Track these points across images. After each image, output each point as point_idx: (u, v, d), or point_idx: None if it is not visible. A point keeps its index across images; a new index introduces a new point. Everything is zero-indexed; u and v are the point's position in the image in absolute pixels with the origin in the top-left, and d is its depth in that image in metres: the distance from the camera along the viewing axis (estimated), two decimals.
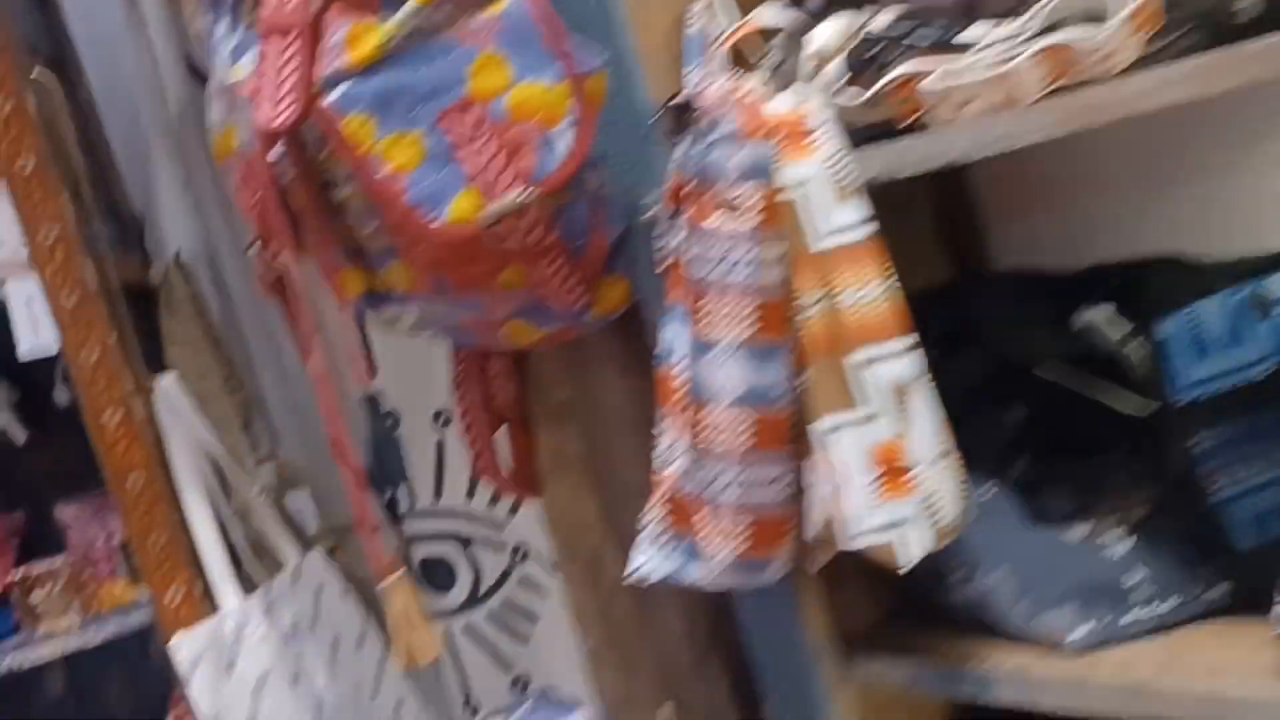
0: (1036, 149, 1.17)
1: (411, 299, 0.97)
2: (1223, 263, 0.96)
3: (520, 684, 1.73)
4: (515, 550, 1.73)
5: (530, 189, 0.85)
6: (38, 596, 1.49)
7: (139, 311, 1.46)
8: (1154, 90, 0.67)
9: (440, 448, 1.71)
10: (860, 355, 0.82)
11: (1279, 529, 0.86)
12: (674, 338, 0.88)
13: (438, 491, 1.72)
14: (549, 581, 1.69)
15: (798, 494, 0.88)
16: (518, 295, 0.92)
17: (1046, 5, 0.73)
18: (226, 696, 1.44)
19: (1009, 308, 0.95)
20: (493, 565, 1.73)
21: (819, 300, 0.82)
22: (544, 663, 1.71)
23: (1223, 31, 0.69)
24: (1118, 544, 0.90)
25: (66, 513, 1.60)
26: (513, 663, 1.75)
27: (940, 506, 0.83)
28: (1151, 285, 0.92)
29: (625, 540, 1.18)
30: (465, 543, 1.73)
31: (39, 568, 1.49)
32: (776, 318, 0.83)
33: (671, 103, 0.85)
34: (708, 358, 0.85)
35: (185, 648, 1.43)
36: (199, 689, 1.43)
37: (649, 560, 0.90)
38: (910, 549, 0.82)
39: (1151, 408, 0.86)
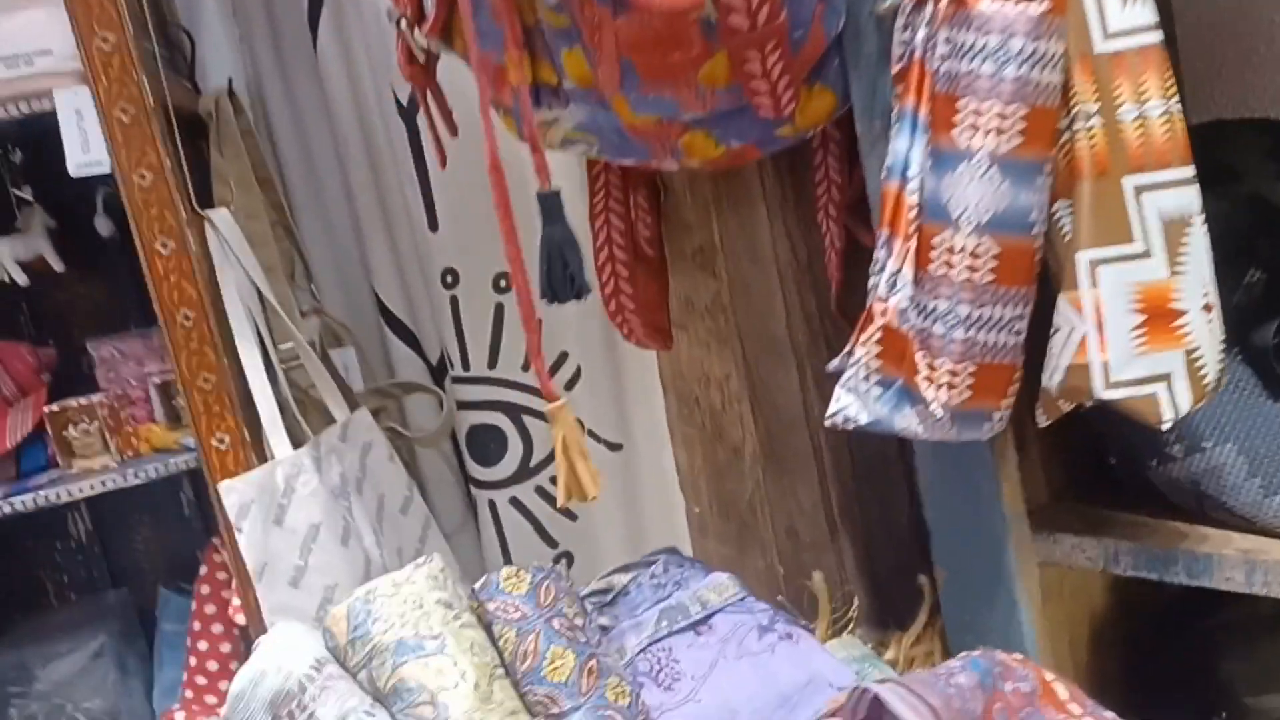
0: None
1: (581, 95, 0.84)
2: None
3: (564, 562, 1.66)
4: None
5: None
6: (73, 433, 1.37)
7: (187, 144, 1.33)
8: None
9: (499, 312, 1.60)
10: (1137, 180, 0.71)
11: None
12: (906, 151, 0.77)
13: (493, 360, 1.62)
14: (603, 459, 1.60)
15: (1027, 340, 0.77)
16: (716, 94, 0.80)
17: None
18: (276, 546, 1.34)
19: (1259, 157, 0.84)
20: (543, 439, 1.64)
21: (1097, 112, 0.71)
22: (592, 542, 1.64)
23: None
24: None
25: (101, 350, 1.47)
26: (558, 540, 1.67)
27: (1205, 362, 0.73)
28: None
29: (759, 401, 1.08)
30: (517, 413, 1.64)
31: (74, 403, 1.36)
32: (1045, 128, 0.72)
33: None
34: (953, 173, 0.73)
35: (235, 494, 1.32)
36: (248, 538, 1.32)
37: (853, 403, 0.80)
38: (1172, 405, 0.72)
39: None
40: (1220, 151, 0.85)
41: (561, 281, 0.76)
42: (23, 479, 1.39)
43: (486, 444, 1.66)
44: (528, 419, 1.65)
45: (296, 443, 1.36)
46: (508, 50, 0.78)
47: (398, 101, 1.53)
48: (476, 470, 1.68)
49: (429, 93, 0.88)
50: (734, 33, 0.75)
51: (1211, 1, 1.09)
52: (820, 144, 0.98)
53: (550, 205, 0.75)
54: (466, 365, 1.63)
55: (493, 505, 1.67)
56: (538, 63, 0.84)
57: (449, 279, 1.61)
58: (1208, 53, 1.10)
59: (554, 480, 1.68)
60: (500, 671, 0.77)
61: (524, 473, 1.67)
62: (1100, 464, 0.91)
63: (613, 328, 1.50)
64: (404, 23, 0.85)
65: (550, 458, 1.65)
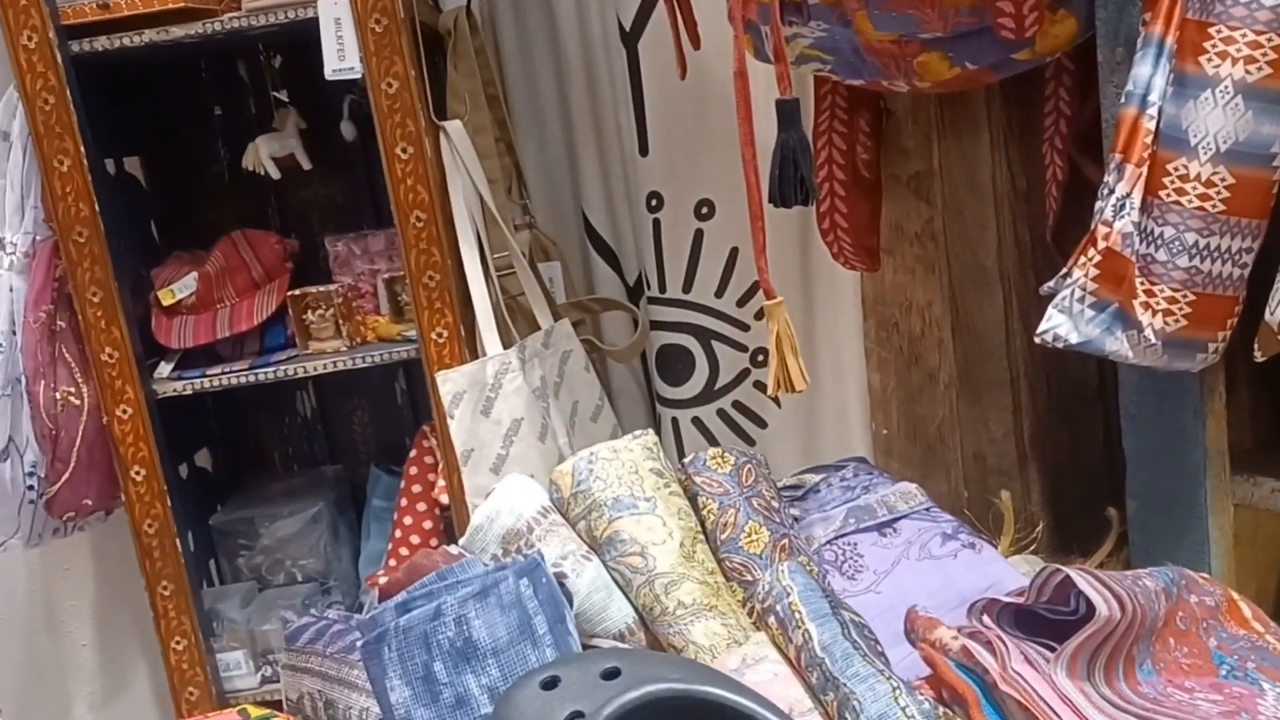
0: None
1: (825, 12, 0.88)
2: None
3: None
4: (756, 354, 1.69)
5: None
6: (311, 318, 1.52)
7: (426, 58, 1.43)
8: None
9: (698, 239, 1.66)
10: None
11: None
12: (1149, 77, 0.78)
13: (688, 284, 1.68)
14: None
15: (1251, 274, 0.78)
16: (959, 13, 0.83)
17: None
18: (482, 435, 1.46)
19: None
20: (730, 364, 1.70)
21: None
22: (772, 462, 1.68)
23: None
24: None
25: (336, 246, 1.61)
26: None
27: None
28: None
29: (960, 329, 1.11)
30: (707, 338, 1.70)
31: (315, 290, 1.50)
32: None
33: None
34: (1196, 100, 0.74)
35: (449, 384, 1.44)
36: (458, 425, 1.44)
37: (1064, 323, 0.82)
38: None
39: None
40: None
41: (792, 185, 0.80)
42: (266, 354, 1.55)
43: (675, 364, 1.74)
44: (716, 344, 1.72)
45: (505, 343, 1.47)
46: None
47: (621, 28, 1.60)
48: (663, 388, 1.75)
49: (678, 5, 0.94)
50: None
51: None
52: (1053, 74, 0.99)
53: (788, 112, 0.80)
54: (663, 287, 1.71)
55: (675, 423, 1.74)
56: None
57: (654, 203, 1.68)
58: None
59: (736, 405, 1.76)
60: (701, 537, 0.84)
61: (708, 395, 1.74)
62: None
63: (805, 253, 1.55)
64: None
65: (734, 383, 1.71)
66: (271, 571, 1.67)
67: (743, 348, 1.73)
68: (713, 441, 1.74)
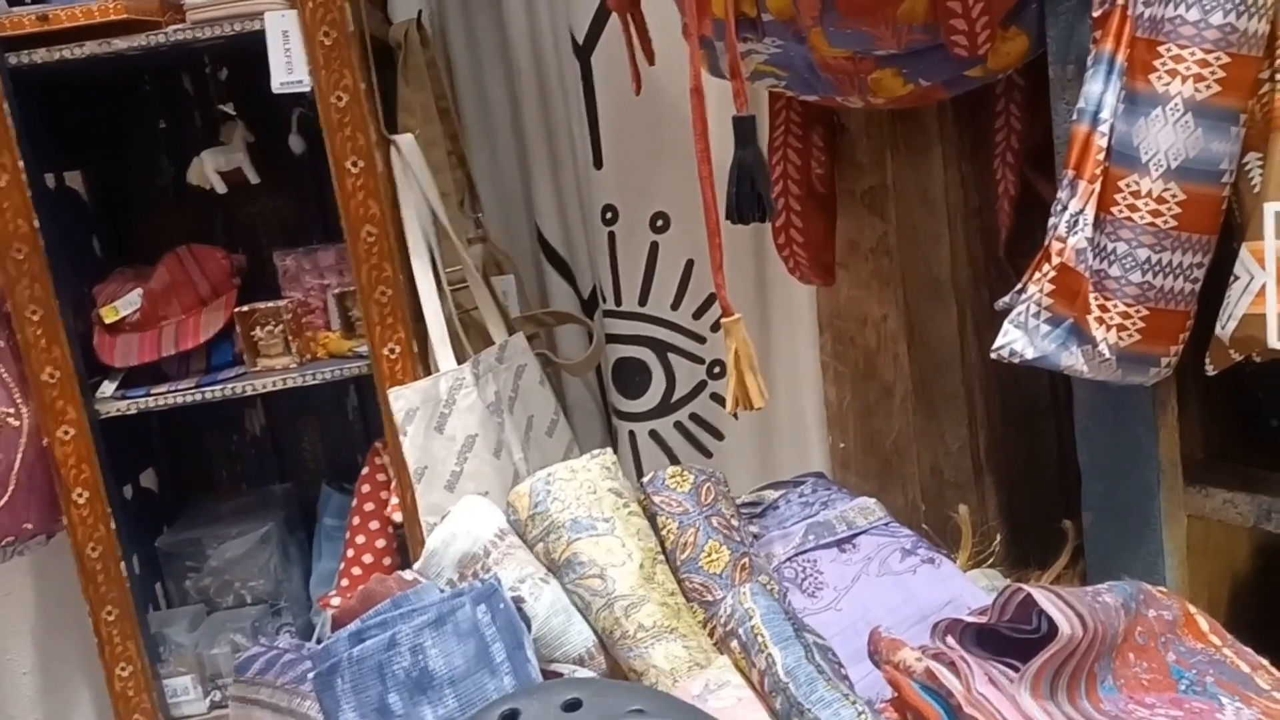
0: None
1: (780, 29, 0.88)
2: None
3: None
4: (713, 366, 1.69)
5: None
6: (259, 334, 1.49)
7: (377, 72, 1.41)
8: None
9: (653, 251, 1.65)
10: None
11: None
12: (1100, 95, 0.78)
13: (644, 297, 1.68)
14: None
15: (1200, 288, 0.79)
16: (913, 31, 0.83)
17: None
18: (435, 452, 1.44)
19: None
20: (687, 376, 1.69)
21: None
22: (729, 476, 1.68)
23: None
24: None
25: (286, 261, 1.58)
26: None
27: None
28: None
29: (915, 343, 1.11)
30: (663, 350, 1.69)
31: (263, 306, 1.47)
32: (1245, 78, 0.73)
33: None
34: (1146, 118, 0.75)
35: (402, 400, 1.42)
36: (410, 442, 1.42)
37: (1020, 338, 0.82)
38: None
39: None
40: None
41: (749, 202, 0.80)
42: (212, 371, 1.52)
43: (631, 377, 1.73)
44: (673, 356, 1.71)
45: (459, 359, 1.45)
46: None
47: (574, 41, 1.59)
48: (619, 401, 1.74)
49: (632, 20, 0.93)
50: None
51: None
52: (1004, 90, 0.99)
53: (745, 128, 0.80)
54: (619, 300, 1.70)
55: (632, 436, 1.73)
56: None
57: (608, 215, 1.67)
58: None
59: (694, 418, 1.75)
60: (661, 557, 0.83)
61: (665, 407, 1.73)
62: (1255, 430, 0.92)
63: (761, 267, 1.55)
64: None
65: (690, 395, 1.71)
66: (220, 594, 1.63)
67: (699, 360, 1.72)
68: (670, 455, 1.74)
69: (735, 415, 1.61)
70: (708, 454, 1.74)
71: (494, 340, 1.59)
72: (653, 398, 1.74)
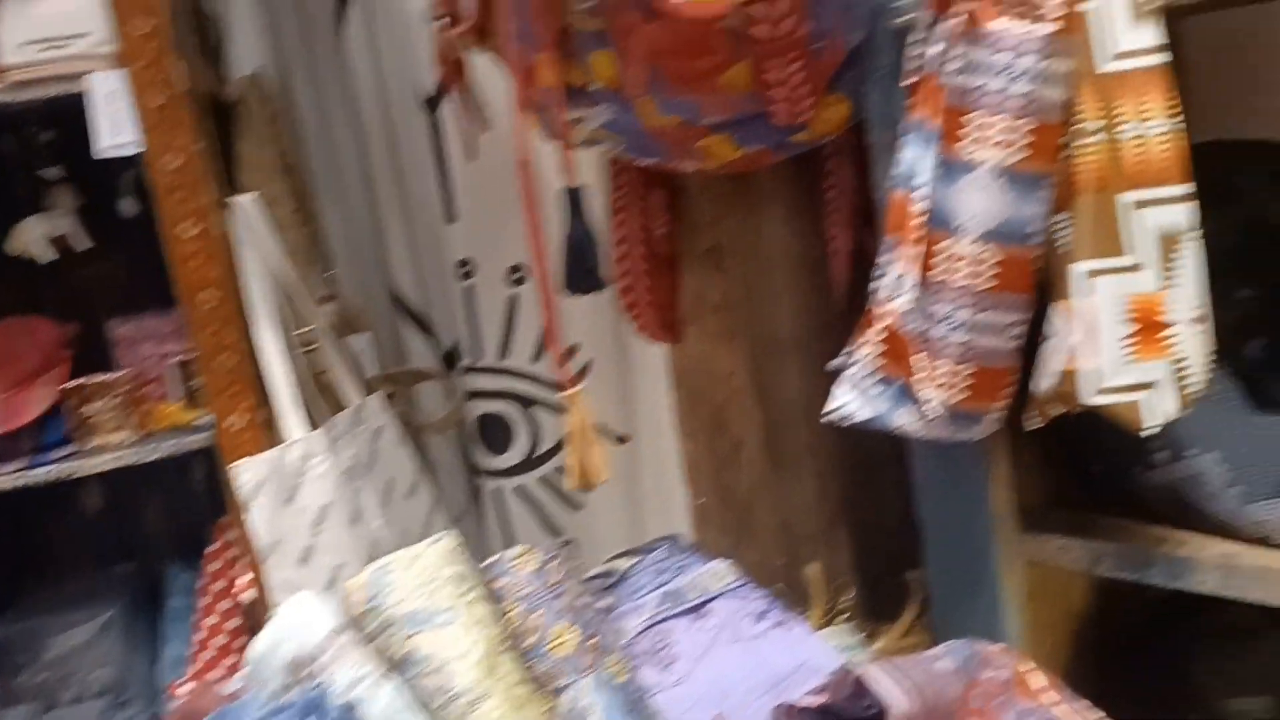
0: (1259, 20, 1.11)
1: (609, 97, 0.88)
2: None
3: (567, 551, 1.69)
4: None
5: None
6: (92, 409, 1.40)
7: (214, 129, 1.36)
8: None
9: (512, 304, 1.63)
10: (1135, 196, 0.75)
11: None
12: (915, 160, 0.80)
13: (504, 350, 1.65)
14: (610, 450, 1.64)
15: (1023, 345, 0.81)
16: (738, 99, 0.84)
17: None
18: (286, 525, 1.37)
19: (1260, 177, 0.88)
20: (552, 430, 1.67)
21: (1100, 129, 0.75)
22: (594, 532, 1.67)
23: None
24: None
25: (122, 329, 1.50)
26: (562, 529, 1.70)
27: (1190, 372, 0.77)
28: None
29: (763, 397, 1.12)
30: (527, 404, 1.67)
31: (96, 380, 1.39)
32: (1049, 143, 0.75)
33: None
34: (959, 183, 0.77)
35: (248, 474, 1.36)
36: (259, 516, 1.36)
37: (853, 400, 0.83)
38: (1157, 412, 0.76)
39: None
40: (1221, 171, 0.89)
41: (581, 274, 0.79)
42: (43, 451, 1.43)
43: (495, 433, 1.70)
44: (537, 410, 1.69)
45: (313, 424, 1.40)
46: (543, 51, 0.81)
47: (421, 94, 1.57)
48: (484, 459, 1.71)
49: (461, 91, 0.91)
50: (758, 42, 0.78)
51: (1220, 25, 1.12)
52: (834, 149, 1.01)
53: (575, 200, 0.79)
54: (479, 355, 1.67)
55: (498, 493, 1.70)
56: (568, 64, 0.88)
57: (464, 270, 1.64)
58: (1217, 74, 1.14)
59: (560, 471, 1.73)
60: (507, 645, 0.81)
61: (530, 463, 1.71)
62: (1084, 474, 0.94)
63: (623, 322, 1.54)
64: (442, 22, 0.89)
65: (556, 449, 1.69)
66: (59, 688, 1.52)
67: (564, 410, 1.70)
68: (538, 510, 1.71)
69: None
70: (576, 508, 1.72)
71: (349, 403, 1.54)
72: (518, 453, 1.72)
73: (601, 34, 0.83)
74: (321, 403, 1.50)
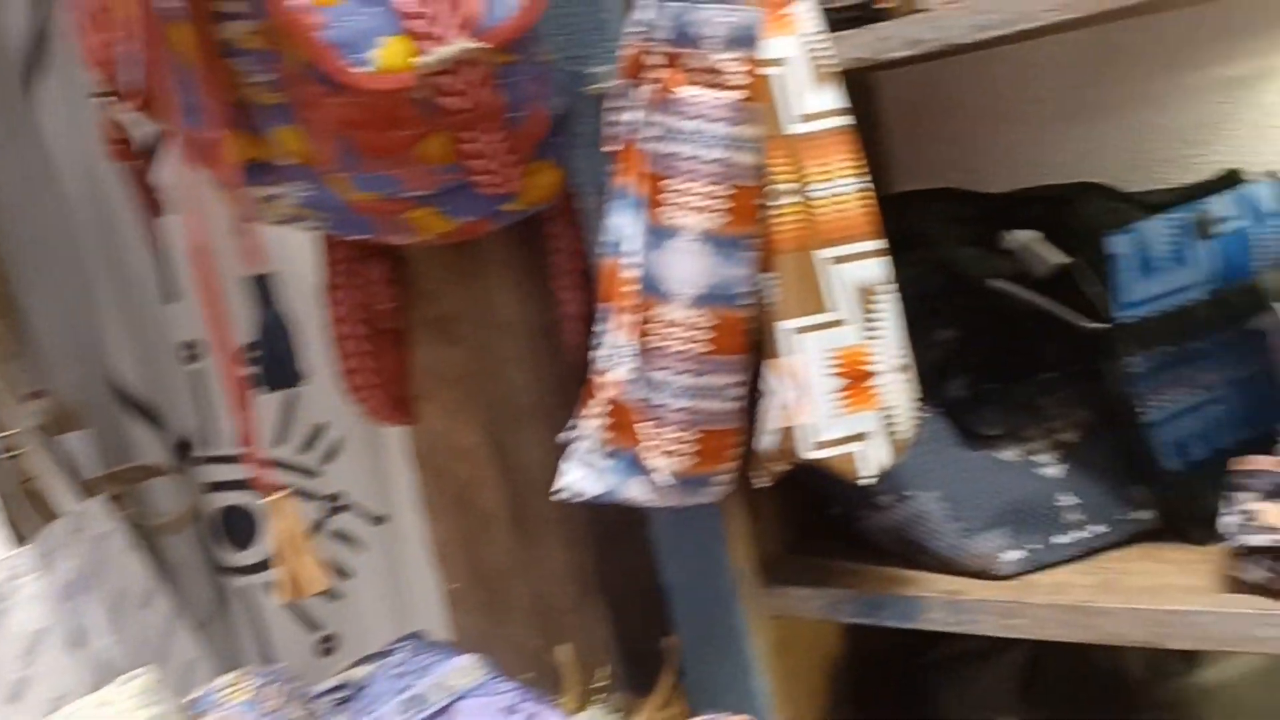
0: (946, 71, 1.19)
1: (302, 173, 0.82)
2: (1142, 192, 0.97)
3: (328, 646, 1.59)
4: (330, 500, 1.59)
5: (475, 41, 0.74)
6: None
7: None
8: None
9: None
10: (831, 253, 0.77)
11: (1204, 453, 0.88)
12: (624, 226, 0.79)
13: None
14: (367, 534, 1.57)
15: (746, 404, 0.81)
16: (438, 172, 0.80)
17: None
18: None
19: (945, 224, 0.92)
20: (302, 515, 1.57)
21: (792, 190, 0.76)
22: (358, 622, 1.58)
23: None
24: (1050, 466, 0.89)
25: None
26: (321, 623, 1.60)
27: (899, 419, 0.79)
28: (1075, 210, 0.91)
29: (507, 468, 1.08)
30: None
31: None
32: (747, 206, 0.76)
33: None
34: (666, 249, 0.77)
35: None
36: None
37: (581, 476, 0.81)
38: (871, 462, 0.77)
39: (1101, 324, 0.85)
40: (911, 220, 0.93)
41: (275, 368, 0.73)
42: None
43: (238, 526, 1.58)
44: None
45: (18, 540, 1.26)
46: (218, 127, 0.75)
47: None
48: (227, 555, 1.59)
49: (133, 172, 0.84)
50: (451, 113, 0.75)
51: (908, 80, 1.19)
52: (555, 212, 0.99)
53: (262, 290, 0.73)
54: (213, 444, 1.55)
55: (248, 591, 1.58)
56: (252, 140, 0.82)
57: (190, 352, 1.53)
58: (908, 126, 1.21)
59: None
60: None
61: None
62: (825, 518, 0.96)
63: None
64: (107, 97, 0.81)
65: (311, 534, 1.58)
66: None
67: (313, 496, 1.61)
68: (295, 607, 1.60)
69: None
70: (335, 597, 1.62)
71: (64, 510, 1.39)
72: (264, 547, 1.60)
73: (283, 108, 0.78)
74: (31, 513, 1.35)
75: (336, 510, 1.60)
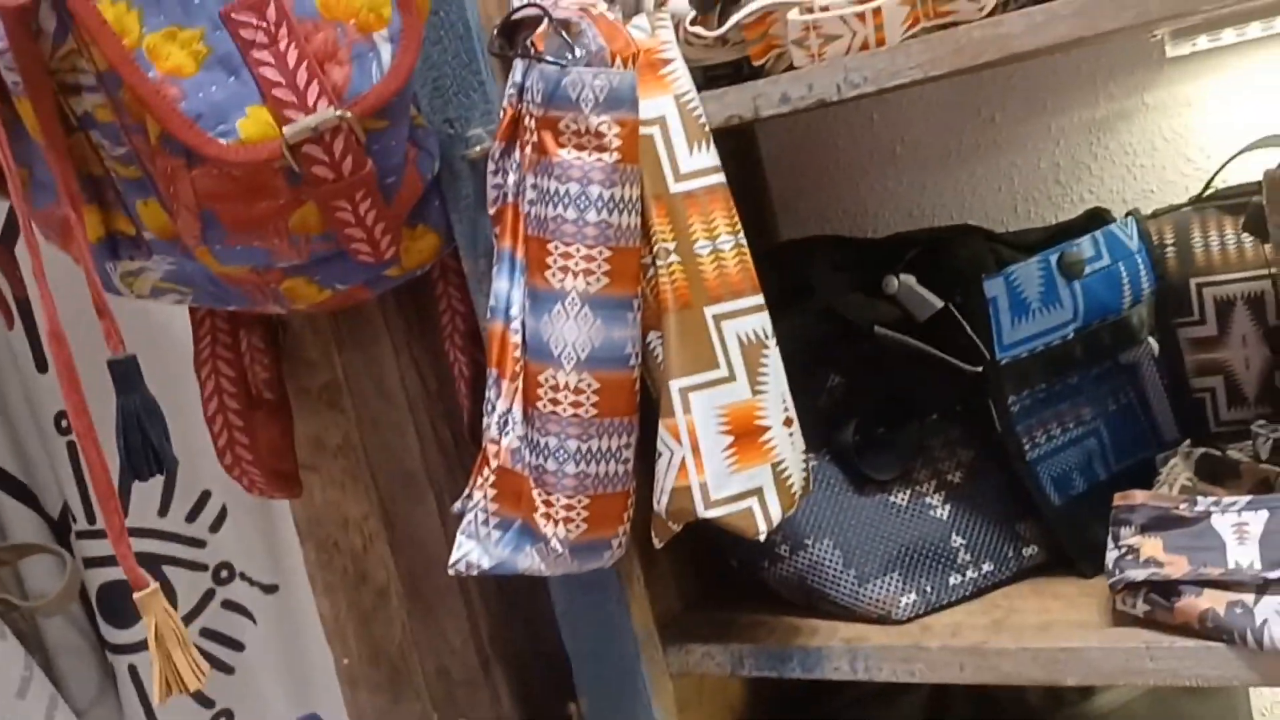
0: (826, 118, 1.21)
1: (165, 246, 0.79)
2: (1015, 232, 1.00)
3: None
4: (218, 570, 1.52)
5: (343, 108, 0.72)
6: None
7: None
8: (1037, 29, 0.67)
9: None
10: (716, 310, 0.77)
11: (1085, 486, 0.90)
12: (508, 291, 0.78)
13: (122, 508, 1.47)
14: (258, 603, 1.51)
15: (636, 466, 0.80)
16: (311, 242, 0.78)
17: None
18: None
19: (829, 272, 0.93)
20: (189, 588, 1.51)
21: (675, 249, 0.76)
22: (253, 698, 1.52)
23: None
24: (940, 508, 0.91)
25: None
26: (214, 698, 1.53)
27: (790, 472, 0.79)
28: (952, 253, 0.93)
29: (400, 539, 1.05)
30: (155, 564, 1.50)
31: None
32: (630, 267, 0.76)
33: (513, 17, 0.75)
34: (550, 313, 0.75)
35: None
36: None
37: (474, 548, 0.79)
38: (767, 516, 0.77)
39: (979, 367, 0.87)
40: (795, 269, 0.94)
41: (141, 456, 0.70)
42: None
43: (122, 602, 1.51)
44: (169, 569, 1.52)
45: None
46: (67, 206, 0.72)
47: None
48: (112, 633, 1.51)
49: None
50: (319, 182, 0.73)
51: (789, 130, 1.21)
52: (441, 274, 0.98)
53: (123, 373, 0.70)
54: (93, 518, 1.48)
55: (133, 670, 1.50)
56: (112, 213, 0.78)
57: (64, 423, 1.46)
58: (790, 172, 1.22)
59: (204, 633, 1.56)
60: None
61: None
62: (728, 570, 0.96)
63: None
64: None
65: (199, 608, 1.52)
66: None
67: (201, 566, 1.54)
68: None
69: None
70: (228, 670, 1.55)
71: None
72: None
73: (145, 181, 0.75)
74: None
75: (226, 580, 1.54)
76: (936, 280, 0.91)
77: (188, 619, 1.51)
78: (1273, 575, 0.70)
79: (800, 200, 1.21)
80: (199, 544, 1.50)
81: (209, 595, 1.52)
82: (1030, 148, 1.14)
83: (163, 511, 1.48)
